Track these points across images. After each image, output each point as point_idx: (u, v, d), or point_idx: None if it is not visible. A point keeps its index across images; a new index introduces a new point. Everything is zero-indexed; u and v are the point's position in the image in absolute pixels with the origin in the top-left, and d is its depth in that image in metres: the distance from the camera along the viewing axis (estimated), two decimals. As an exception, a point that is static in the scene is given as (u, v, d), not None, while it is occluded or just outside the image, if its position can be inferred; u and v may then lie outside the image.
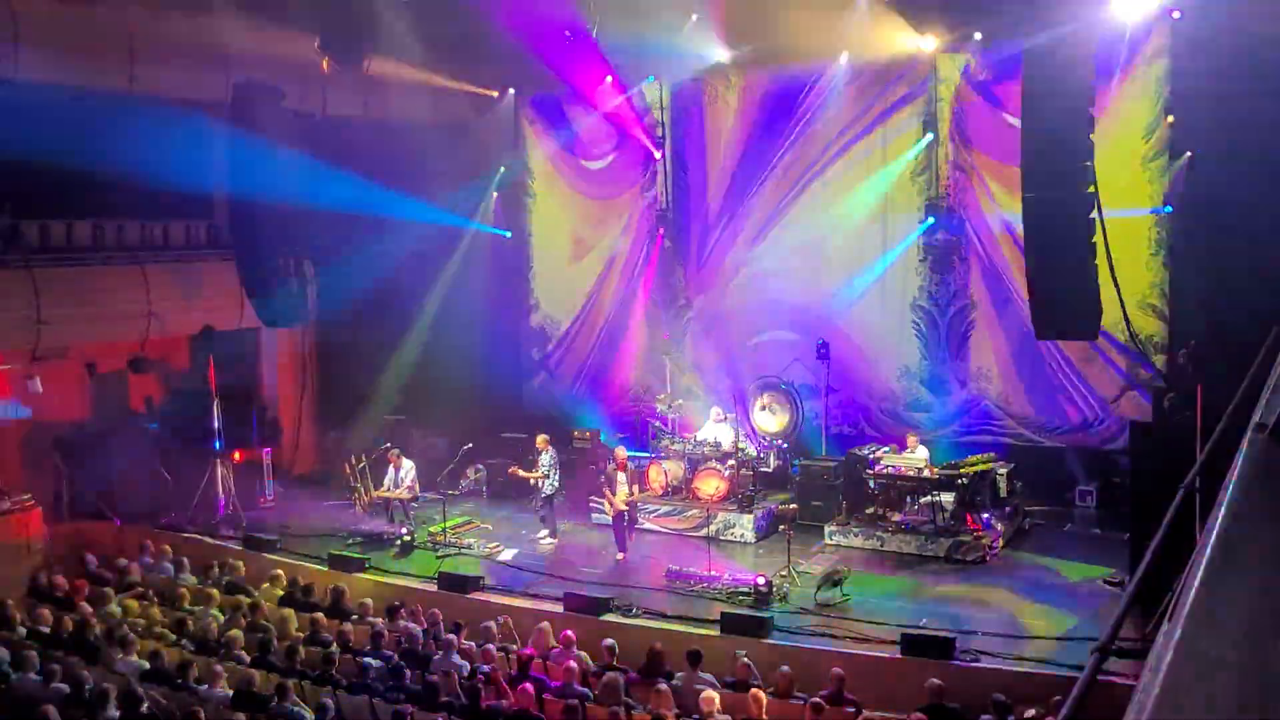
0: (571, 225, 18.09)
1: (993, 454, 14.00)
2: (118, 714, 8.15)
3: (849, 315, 15.84)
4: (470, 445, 15.03)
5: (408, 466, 14.51)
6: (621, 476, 13.25)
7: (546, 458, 13.86)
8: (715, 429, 15.07)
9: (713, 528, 13.36)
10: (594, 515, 14.74)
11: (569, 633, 10.19)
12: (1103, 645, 2.45)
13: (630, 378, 17.80)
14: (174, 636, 10.29)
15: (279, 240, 15.03)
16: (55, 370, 15.41)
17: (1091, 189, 10.37)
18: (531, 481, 14.07)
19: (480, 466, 16.28)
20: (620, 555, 12.96)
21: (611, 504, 13.18)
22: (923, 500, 13.37)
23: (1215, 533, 2.54)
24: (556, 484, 13.91)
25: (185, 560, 12.90)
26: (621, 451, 13.63)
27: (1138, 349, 13.78)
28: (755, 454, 14.98)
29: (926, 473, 13.39)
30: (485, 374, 17.41)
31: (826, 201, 15.87)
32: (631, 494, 13.30)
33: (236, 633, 10.10)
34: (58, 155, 14.58)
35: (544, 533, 13.94)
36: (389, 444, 14.96)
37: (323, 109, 16.30)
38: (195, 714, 7.98)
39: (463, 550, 13.61)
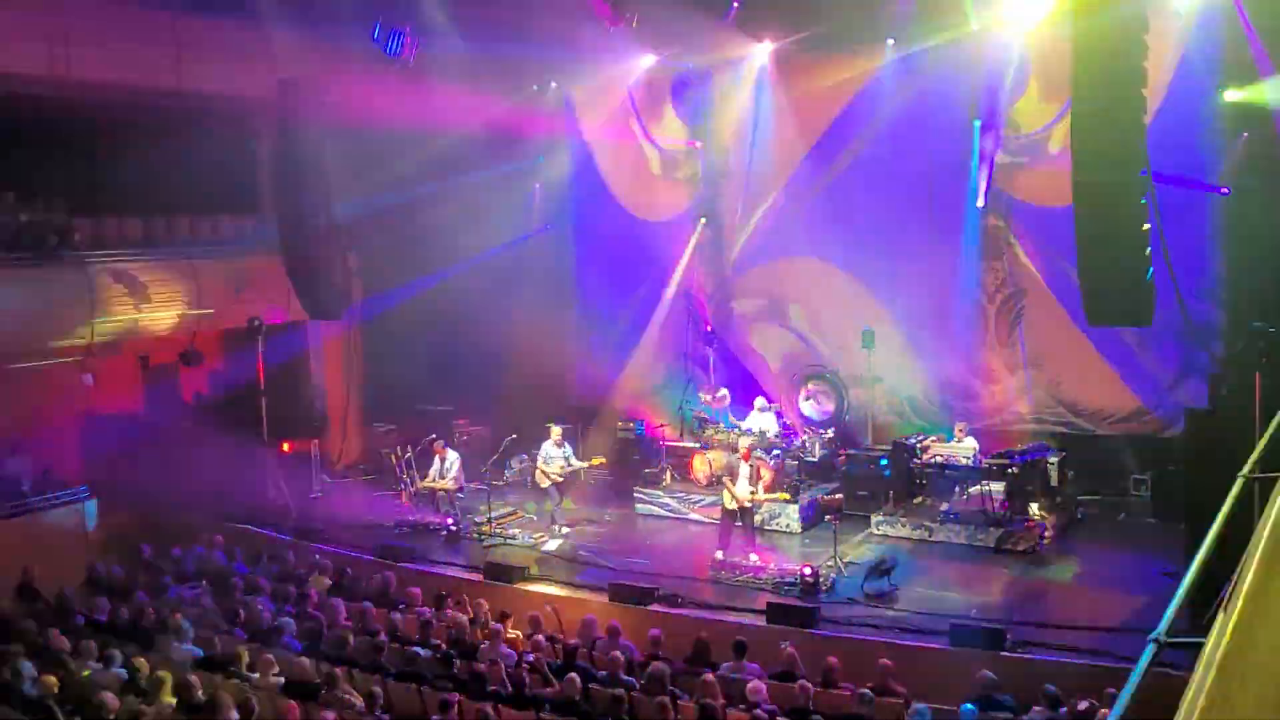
0: (613, 214, 18.10)
1: (1044, 443, 13.86)
2: (173, 701, 8.34)
3: (896, 301, 15.73)
4: (514, 436, 15.17)
5: (453, 458, 14.64)
6: (744, 469, 12.53)
7: (552, 450, 13.94)
8: (760, 418, 15.07)
9: (759, 517, 13.37)
10: (639, 505, 14.83)
11: (615, 623, 10.24)
12: (1158, 636, 2.42)
13: (674, 367, 17.77)
14: (226, 625, 10.48)
15: (324, 235, 15.18)
16: (110, 364, 15.78)
17: (1144, 172, 10.18)
18: (556, 475, 13.93)
19: (524, 457, 16.37)
20: (721, 552, 12.64)
21: (732, 495, 12.49)
22: (972, 490, 13.24)
23: (1273, 522, 2.50)
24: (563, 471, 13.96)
25: (237, 550, 13.13)
26: (745, 442, 13.04)
27: (1194, 335, 13.55)
28: (801, 444, 14.98)
29: (976, 462, 13.26)
30: (530, 364, 17.51)
31: (873, 186, 15.71)
32: (754, 490, 12.48)
33: (287, 620, 10.26)
34: (109, 152, 14.94)
35: (564, 530, 13.88)
36: (434, 435, 15.12)
37: (367, 108, 16.45)
38: (248, 701, 8.14)
39: (508, 540, 13.72)
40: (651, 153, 17.72)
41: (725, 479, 12.75)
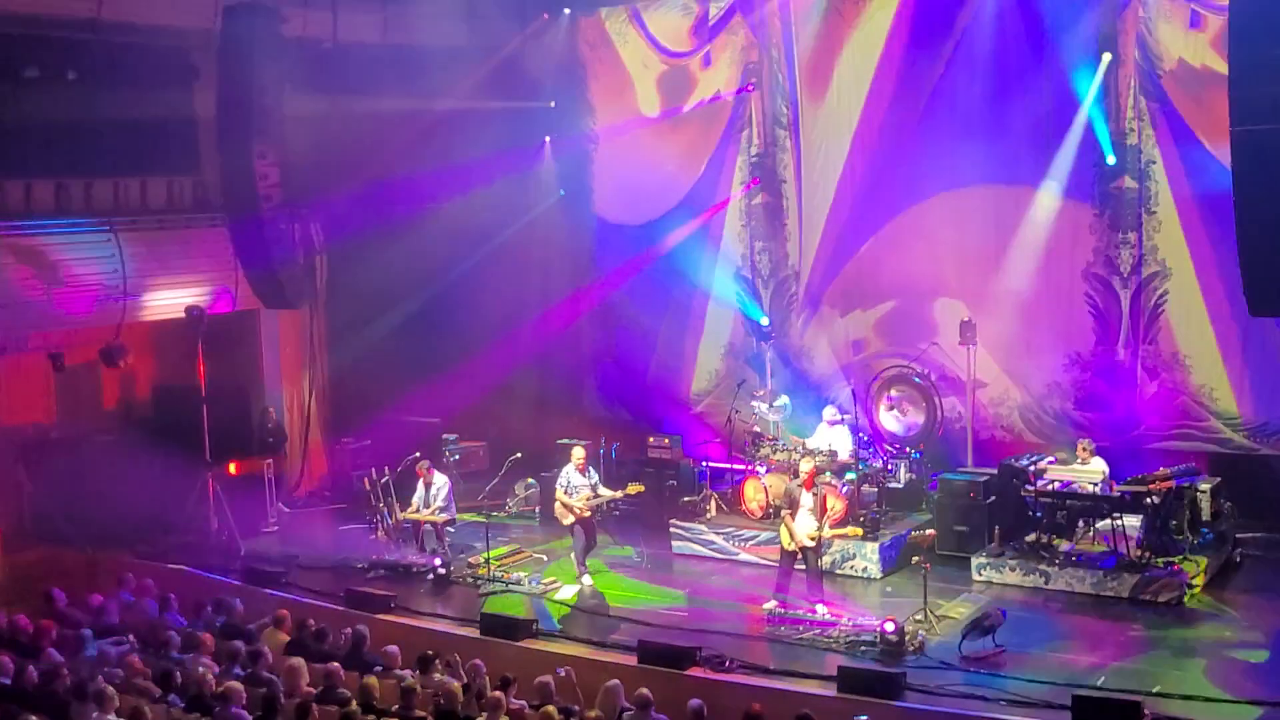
0: (643, 176, 18.22)
1: (1192, 465, 13.80)
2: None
3: (1003, 286, 15.73)
4: (519, 455, 15.26)
5: (441, 482, 14.73)
6: (807, 499, 12.56)
7: (575, 477, 13.90)
8: (829, 434, 15.08)
9: (827, 559, 13.38)
10: (676, 543, 14.92)
11: (645, 691, 10.26)
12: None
13: (719, 369, 17.91)
14: (159, 691, 10.58)
15: (282, 201, 15.34)
16: (12, 364, 15.96)
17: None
18: (593, 504, 13.99)
19: (532, 481, 16.48)
20: (773, 603, 12.70)
21: (791, 534, 12.58)
22: (1100, 525, 13.18)
23: None
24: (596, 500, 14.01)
25: (172, 597, 13.23)
26: (808, 465, 12.96)
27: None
28: (881, 466, 15.01)
29: (1105, 489, 13.22)
30: (537, 367, 17.74)
31: (972, 139, 15.69)
32: (820, 526, 12.51)
33: (235, 686, 10.36)
34: (10, 99, 15.11)
35: (585, 581, 13.97)
36: (418, 454, 15.20)
37: (333, 34, 16.60)
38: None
39: (511, 586, 13.79)
40: (687, 96, 17.88)
41: (784, 512, 12.78)
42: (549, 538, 15.48)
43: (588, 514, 13.90)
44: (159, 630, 12.13)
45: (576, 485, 13.89)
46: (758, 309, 17.49)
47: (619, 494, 14.19)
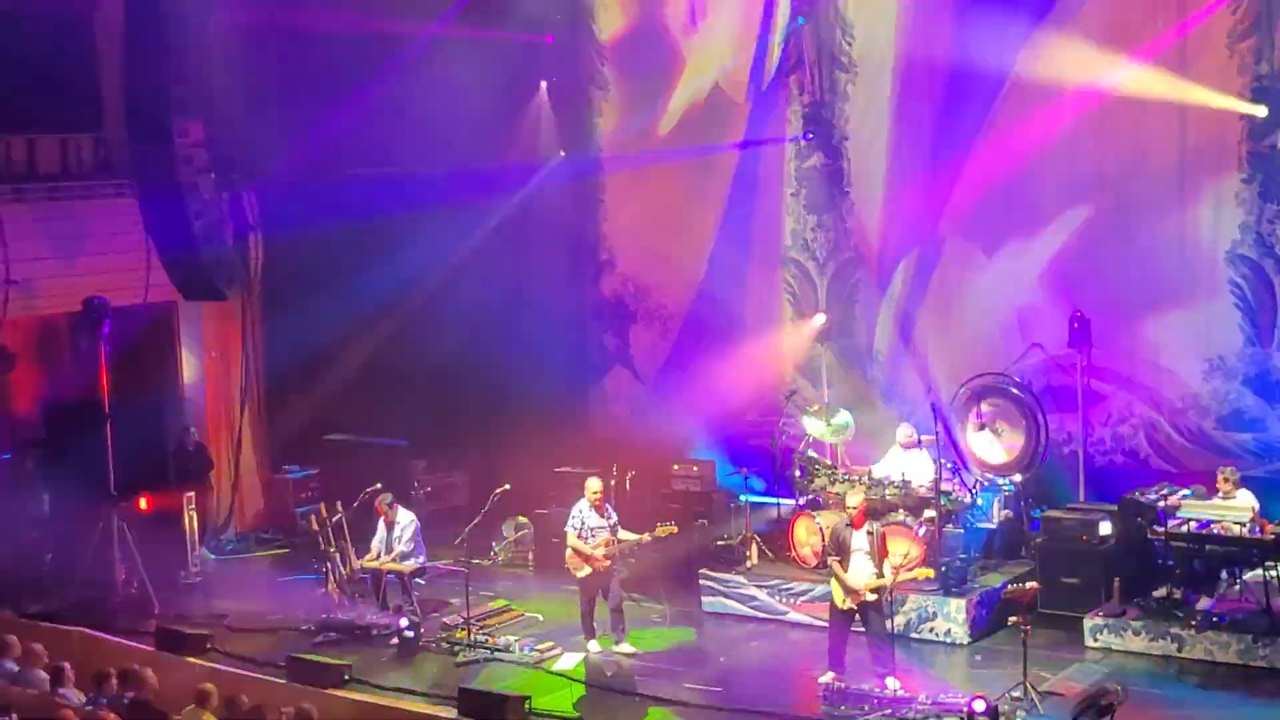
0: (661, 133, 18.29)
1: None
2: None
3: (1123, 273, 15.74)
4: (506, 487, 15.18)
5: (406, 521, 14.80)
6: (859, 540, 12.58)
7: (591, 517, 13.91)
8: (903, 459, 15.13)
9: (900, 619, 13.36)
10: (708, 599, 14.98)
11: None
12: None
13: (760, 376, 17.87)
14: (52, 785, 10.60)
15: (207, 164, 15.42)
16: None
17: None
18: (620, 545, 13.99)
19: (524, 520, 16.53)
20: (830, 676, 12.67)
21: (844, 585, 12.53)
22: (1248, 576, 13.13)
23: None
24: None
25: (66, 666, 13.21)
26: (855, 498, 12.96)
27: None
28: (970, 499, 14.95)
29: (1254, 530, 13.12)
30: (530, 376, 17.72)
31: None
32: (880, 574, 12.46)
33: (147, 781, 10.37)
34: None
35: (619, 647, 13.97)
36: (378, 485, 15.25)
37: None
38: None
39: (497, 654, 13.82)
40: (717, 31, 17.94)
41: (831, 560, 12.79)
42: (546, 591, 15.55)
43: (607, 564, 13.86)
44: (51, 708, 12.14)
45: (593, 527, 13.86)
46: (810, 299, 17.50)
47: (645, 537, 14.08)
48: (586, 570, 13.87)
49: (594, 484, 14.06)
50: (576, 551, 13.86)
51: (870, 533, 12.61)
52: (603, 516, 13.94)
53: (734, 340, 17.93)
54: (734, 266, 18.15)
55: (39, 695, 12.67)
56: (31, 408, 17.41)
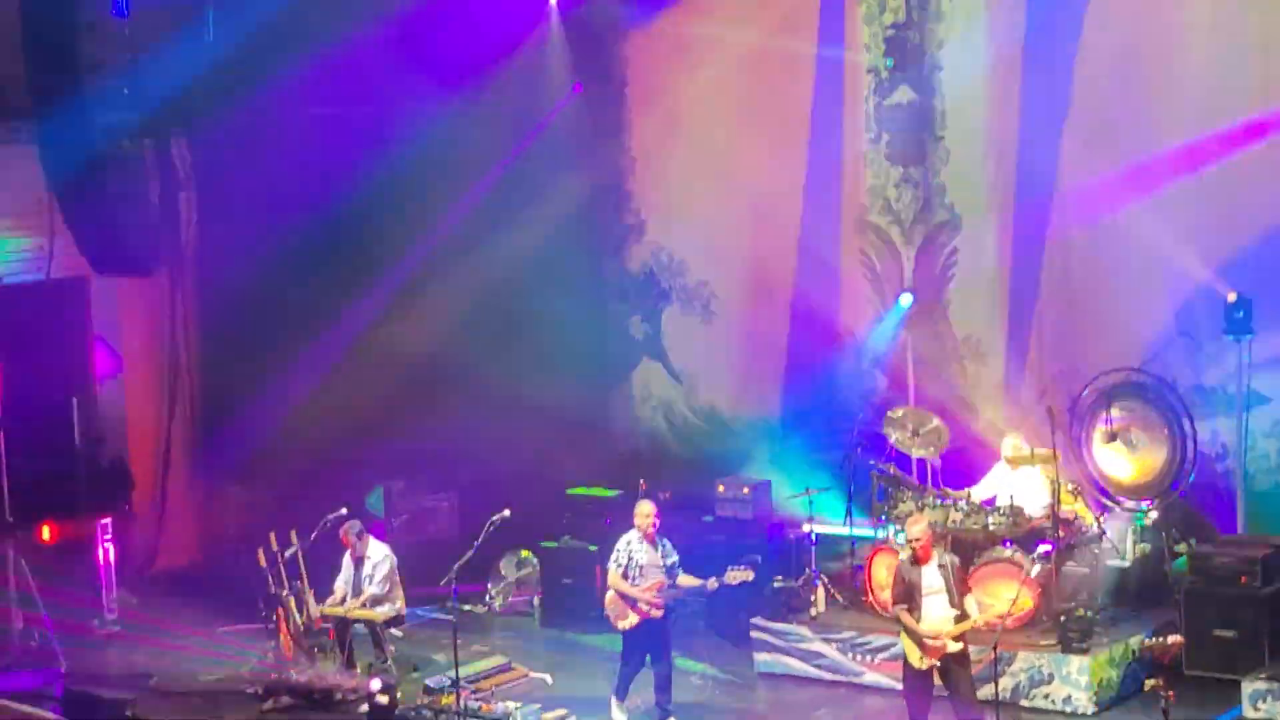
0: (705, 61, 18.67)
1: None
2: None
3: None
4: (507, 513, 14.94)
5: (379, 556, 15.37)
6: (929, 577, 12.71)
7: (641, 551, 14.07)
8: (1011, 479, 15.54)
9: (1006, 681, 13.79)
10: (762, 656, 15.49)
11: None
12: None
13: (829, 373, 18.31)
14: None
15: (127, 103, 16.03)
16: None
17: None
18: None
19: (528, 555, 17.15)
20: None
21: (916, 639, 12.71)
22: None
23: None
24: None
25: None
26: (918, 528, 12.96)
27: None
28: (1096, 530, 15.35)
29: None
30: (537, 372, 18.14)
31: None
32: (958, 615, 12.61)
33: None
34: None
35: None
36: (343, 510, 15.76)
37: None
38: None
39: (493, 727, 14.39)
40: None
41: (897, 609, 12.94)
42: (556, 647, 16.14)
43: (659, 612, 13.99)
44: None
45: (643, 565, 13.98)
46: (896, 275, 17.88)
47: (712, 584, 14.09)
48: (633, 619, 13.96)
49: (645, 508, 14.12)
50: (621, 596, 13.99)
51: (943, 565, 12.80)
52: (655, 549, 14.03)
53: (795, 327, 18.33)
54: (796, 233, 18.45)
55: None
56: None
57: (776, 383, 18.71)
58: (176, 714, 14.90)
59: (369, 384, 18.24)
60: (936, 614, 12.68)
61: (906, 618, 12.74)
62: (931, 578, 12.76)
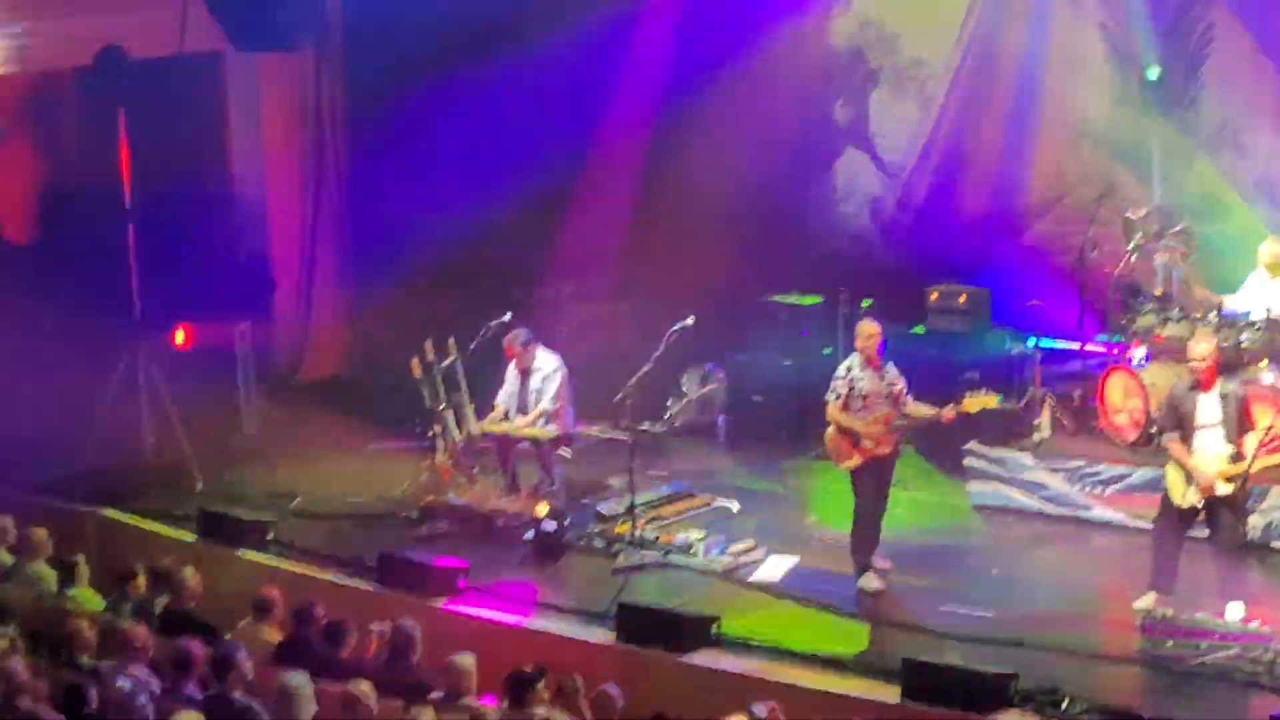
0: None
1: None
2: None
3: None
4: (690, 321, 15.12)
5: (549, 368, 15.10)
6: (1208, 409, 12.40)
7: (864, 377, 13.76)
8: (1271, 288, 14.91)
9: (1256, 520, 13.38)
10: (974, 486, 15.18)
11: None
12: None
13: (1061, 161, 17.78)
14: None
15: None
16: None
17: None
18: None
19: (712, 368, 16.83)
20: (1150, 599, 12.55)
21: (1186, 472, 12.38)
22: None
23: None
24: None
25: (79, 561, 13.64)
26: (1204, 346, 12.63)
27: None
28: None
29: None
30: (722, 164, 17.89)
31: None
32: (1240, 455, 12.24)
33: (189, 718, 10.73)
34: None
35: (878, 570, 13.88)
36: (507, 315, 15.56)
37: None
38: None
39: (672, 557, 14.05)
40: None
41: (1165, 438, 12.68)
42: (745, 470, 15.93)
43: (887, 449, 13.62)
44: (59, 616, 12.50)
45: (866, 393, 13.54)
46: (1147, 48, 17.02)
47: (948, 412, 13.73)
48: (855, 459, 13.60)
49: (868, 328, 13.78)
50: (841, 430, 13.65)
51: (1224, 396, 12.43)
52: (879, 375, 13.67)
53: (1023, 107, 17.72)
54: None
55: (43, 599, 13.14)
56: (22, 202, 17.79)
57: (1000, 173, 18.06)
58: (322, 538, 14.77)
59: (533, 176, 17.88)
60: (1210, 449, 12.38)
61: (1177, 448, 12.47)
62: (1210, 409, 12.43)
